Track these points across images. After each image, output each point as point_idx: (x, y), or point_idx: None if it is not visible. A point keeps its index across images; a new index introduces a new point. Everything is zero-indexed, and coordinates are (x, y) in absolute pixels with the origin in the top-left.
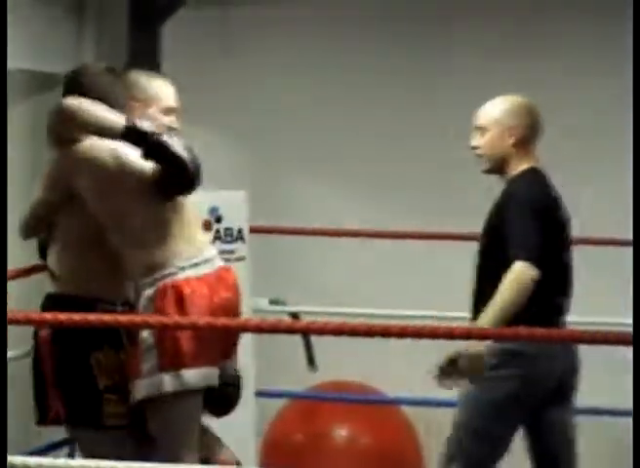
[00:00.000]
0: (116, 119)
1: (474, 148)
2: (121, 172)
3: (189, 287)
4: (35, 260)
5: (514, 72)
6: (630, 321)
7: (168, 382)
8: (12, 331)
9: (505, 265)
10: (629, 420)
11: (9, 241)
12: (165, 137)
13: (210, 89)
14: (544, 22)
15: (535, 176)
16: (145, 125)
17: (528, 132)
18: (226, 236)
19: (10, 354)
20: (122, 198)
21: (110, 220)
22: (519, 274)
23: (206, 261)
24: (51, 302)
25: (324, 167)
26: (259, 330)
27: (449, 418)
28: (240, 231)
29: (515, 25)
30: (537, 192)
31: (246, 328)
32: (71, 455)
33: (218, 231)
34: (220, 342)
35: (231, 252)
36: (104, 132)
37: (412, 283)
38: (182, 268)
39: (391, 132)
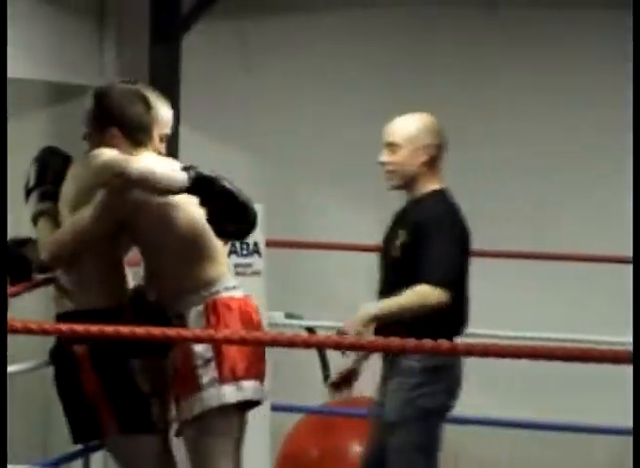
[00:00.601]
0: (177, 173)
1: (383, 164)
2: (176, 204)
3: (235, 303)
4: None
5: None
6: (622, 339)
7: (230, 393)
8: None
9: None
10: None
11: None
12: (228, 184)
13: (228, 102)
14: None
15: (446, 198)
16: (206, 171)
17: (437, 151)
18: (242, 249)
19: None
20: (178, 227)
21: (164, 244)
22: (428, 296)
23: (238, 287)
24: (75, 317)
25: (341, 181)
26: (275, 343)
27: (461, 433)
28: (256, 244)
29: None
30: (452, 216)
31: (262, 341)
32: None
33: (233, 245)
34: (262, 358)
35: (247, 265)
36: (170, 190)
37: None
38: (226, 288)
39: None
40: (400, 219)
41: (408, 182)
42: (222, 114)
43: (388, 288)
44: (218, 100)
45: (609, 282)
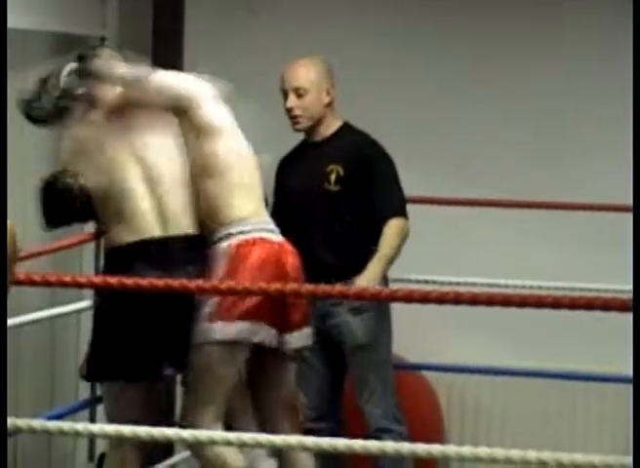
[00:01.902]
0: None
1: (290, 110)
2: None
3: (259, 246)
4: None
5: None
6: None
7: (218, 331)
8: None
9: (367, 215)
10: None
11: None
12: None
13: (233, 49)
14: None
15: (357, 128)
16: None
17: (334, 91)
18: None
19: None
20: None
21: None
22: (405, 229)
23: (271, 231)
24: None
25: None
26: (280, 293)
27: (470, 384)
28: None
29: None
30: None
31: (268, 291)
32: (92, 420)
33: None
34: (277, 305)
35: None
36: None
37: (431, 249)
38: (256, 230)
39: (420, 97)
40: (321, 155)
41: (315, 124)
42: (228, 62)
43: (329, 220)
44: (223, 48)
45: (609, 231)
